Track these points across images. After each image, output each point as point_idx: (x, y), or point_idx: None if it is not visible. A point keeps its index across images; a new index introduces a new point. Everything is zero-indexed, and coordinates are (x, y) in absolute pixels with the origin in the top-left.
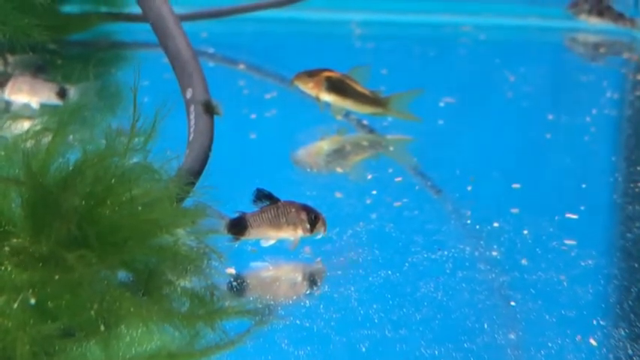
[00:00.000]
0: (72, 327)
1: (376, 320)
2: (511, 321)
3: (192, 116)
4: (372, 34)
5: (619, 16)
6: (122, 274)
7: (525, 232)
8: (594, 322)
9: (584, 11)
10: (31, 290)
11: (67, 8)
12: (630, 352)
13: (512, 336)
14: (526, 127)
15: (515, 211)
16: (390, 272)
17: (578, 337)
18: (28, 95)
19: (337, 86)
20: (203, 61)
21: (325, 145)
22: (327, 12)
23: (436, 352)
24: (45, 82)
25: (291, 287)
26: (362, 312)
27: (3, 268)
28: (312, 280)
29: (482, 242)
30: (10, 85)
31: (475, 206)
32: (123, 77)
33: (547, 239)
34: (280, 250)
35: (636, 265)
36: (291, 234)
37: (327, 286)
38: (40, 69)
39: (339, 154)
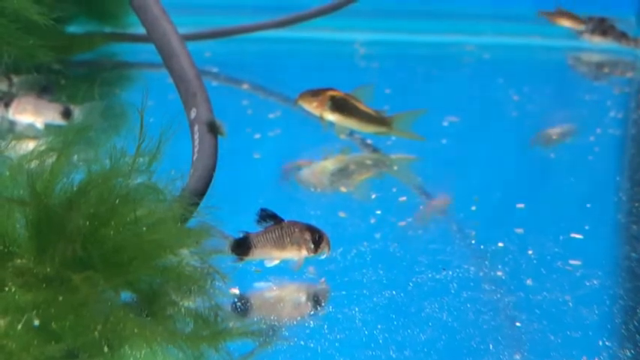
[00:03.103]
0: (75, 348)
1: (381, 341)
2: (516, 342)
3: (196, 136)
4: (376, 53)
5: (622, 36)
6: (126, 295)
7: (530, 252)
8: (600, 343)
9: (587, 31)
10: (34, 311)
11: (72, 29)
12: None
13: (517, 357)
14: (530, 146)
15: (519, 231)
16: (394, 292)
17: (584, 358)
18: (33, 115)
19: (341, 105)
20: (207, 81)
21: (329, 165)
22: (331, 32)
23: None
24: (49, 103)
25: (296, 308)
26: (366, 332)
27: (7, 289)
28: (316, 301)
29: (486, 262)
30: (14, 105)
31: (479, 226)
32: (127, 97)
33: (552, 259)
34: (284, 271)
35: None
36: (295, 254)
37: (331, 307)
38: (45, 89)
39: (343, 173)
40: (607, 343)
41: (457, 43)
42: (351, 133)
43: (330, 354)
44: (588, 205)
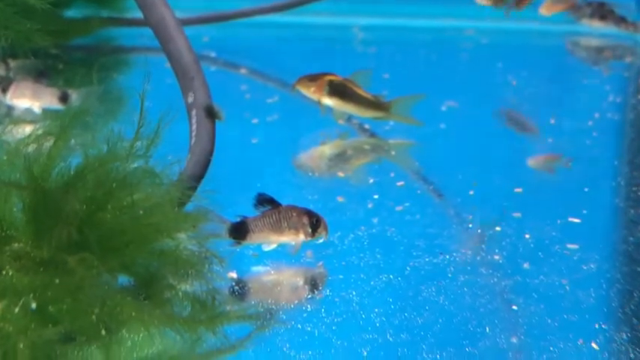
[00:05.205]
0: (73, 331)
1: (378, 324)
2: (513, 325)
3: (193, 121)
4: (374, 38)
5: (621, 20)
6: (123, 279)
7: (527, 236)
8: (596, 326)
9: (586, 15)
10: (32, 295)
11: (69, 13)
12: (632, 356)
13: (514, 340)
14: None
15: (517, 215)
16: (391, 276)
17: (580, 341)
18: (31, 100)
19: (339, 90)
20: (205, 66)
21: (327, 150)
22: (330, 16)
23: (438, 357)
24: (47, 87)
25: (293, 291)
26: (363, 316)
27: (4, 272)
28: (313, 284)
29: (484, 246)
30: (12, 89)
31: (477, 210)
32: (125, 82)
33: (549, 243)
34: (282, 255)
35: (638, 269)
36: (293, 238)
37: (328, 290)
38: (42, 74)
39: (340, 158)
40: (603, 326)
41: (456, 28)
42: (349, 117)
43: (327, 337)
44: (586, 190)
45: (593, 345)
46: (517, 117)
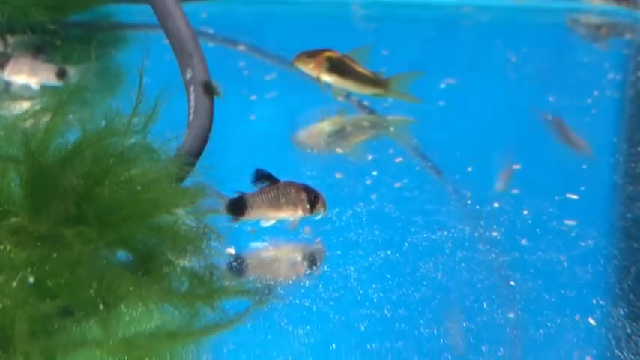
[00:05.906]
0: (71, 306)
1: (375, 300)
2: (510, 300)
3: (192, 97)
4: (374, 15)
5: None
6: (122, 254)
7: (525, 212)
8: (593, 302)
9: None
10: (30, 269)
11: None
12: (629, 331)
13: (511, 315)
14: (527, 108)
15: (515, 191)
16: (389, 252)
17: (577, 317)
18: (28, 76)
19: (338, 67)
20: (203, 42)
21: (326, 126)
22: None
23: (435, 332)
24: (45, 63)
25: (291, 267)
26: (361, 291)
27: (2, 247)
28: (311, 260)
29: (482, 222)
30: (10, 65)
31: (475, 187)
32: (123, 58)
33: (547, 220)
34: (280, 231)
35: (635, 245)
36: (291, 214)
37: (326, 266)
38: (40, 50)
39: (339, 135)
40: (600, 302)
41: (455, 5)
42: (348, 94)
43: (325, 312)
44: (584, 166)
45: (590, 320)
46: (565, 131)
